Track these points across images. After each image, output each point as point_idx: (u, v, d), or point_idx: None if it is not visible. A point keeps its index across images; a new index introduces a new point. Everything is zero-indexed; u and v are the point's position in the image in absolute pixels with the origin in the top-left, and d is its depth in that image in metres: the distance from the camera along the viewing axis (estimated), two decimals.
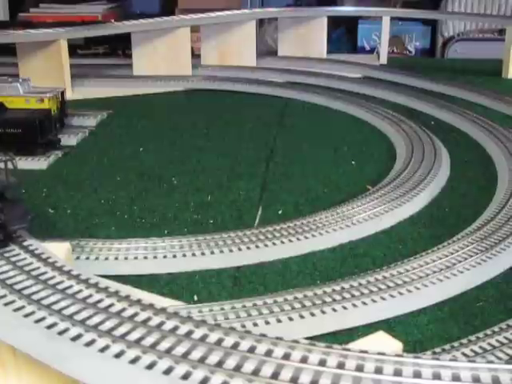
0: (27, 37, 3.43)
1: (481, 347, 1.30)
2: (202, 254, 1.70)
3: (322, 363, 0.99)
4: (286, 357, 1.01)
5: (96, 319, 1.11)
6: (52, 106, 2.64)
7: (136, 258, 1.69)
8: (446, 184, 2.25)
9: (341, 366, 0.99)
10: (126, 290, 1.29)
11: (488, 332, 1.37)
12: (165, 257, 1.69)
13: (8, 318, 1.12)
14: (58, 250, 1.46)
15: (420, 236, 1.88)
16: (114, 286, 1.26)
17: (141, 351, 1.02)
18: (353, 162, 2.48)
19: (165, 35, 3.86)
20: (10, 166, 1.43)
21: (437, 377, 0.96)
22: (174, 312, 1.13)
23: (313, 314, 1.40)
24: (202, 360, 0.99)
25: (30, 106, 2.61)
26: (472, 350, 1.29)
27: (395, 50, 5.26)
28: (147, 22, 3.89)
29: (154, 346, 1.03)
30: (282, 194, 2.17)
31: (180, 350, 1.02)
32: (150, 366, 0.98)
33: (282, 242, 1.77)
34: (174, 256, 1.69)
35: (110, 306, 1.16)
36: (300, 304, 1.42)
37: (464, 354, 1.28)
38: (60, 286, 1.23)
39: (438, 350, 1.31)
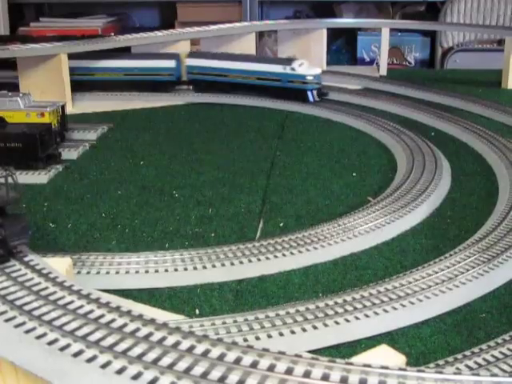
0: (28, 51, 3.44)
1: (484, 359, 1.30)
2: (204, 267, 1.70)
3: (326, 377, 0.99)
4: (289, 371, 1.00)
5: (97, 335, 1.11)
6: (52, 120, 2.65)
7: (137, 272, 1.68)
8: (447, 195, 2.25)
9: (344, 380, 0.98)
10: (127, 304, 1.28)
11: (491, 344, 1.36)
12: (166, 270, 1.69)
13: (9, 334, 1.12)
14: (59, 264, 1.46)
15: (422, 247, 1.87)
16: (115, 300, 1.26)
17: (143, 367, 1.01)
18: (354, 174, 2.48)
19: (165, 48, 3.87)
20: (10, 180, 1.43)
21: None
22: (175, 327, 1.13)
23: (315, 327, 1.39)
24: (205, 375, 0.99)
25: (31, 120, 2.62)
26: (476, 362, 1.29)
27: (395, 61, 5.28)
28: (147, 36, 3.90)
29: (155, 361, 1.02)
30: (283, 207, 2.17)
31: (182, 365, 1.02)
32: (152, 382, 0.98)
33: (284, 255, 1.76)
34: (176, 270, 1.69)
35: (112, 321, 1.15)
36: (302, 317, 1.42)
37: (468, 367, 1.27)
38: (61, 302, 1.22)
39: (441, 362, 1.30)
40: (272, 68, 3.52)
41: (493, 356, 1.31)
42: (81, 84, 3.71)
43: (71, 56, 3.62)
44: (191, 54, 3.83)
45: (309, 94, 3.45)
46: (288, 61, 3.55)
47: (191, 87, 3.82)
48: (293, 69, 3.45)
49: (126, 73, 3.79)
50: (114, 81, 3.79)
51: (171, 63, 3.77)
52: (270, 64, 3.58)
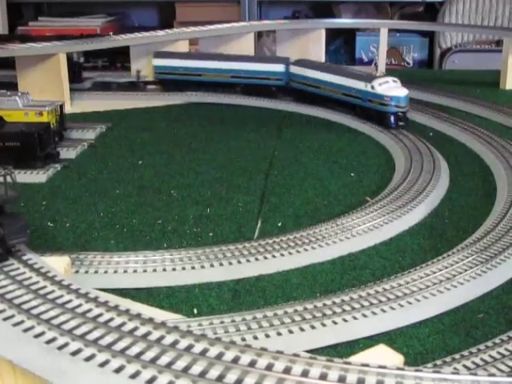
0: (26, 50, 3.43)
1: (482, 359, 1.30)
2: (202, 266, 1.70)
3: (323, 377, 0.99)
4: (287, 371, 1.00)
5: (96, 333, 1.11)
6: (51, 119, 2.65)
7: (135, 271, 1.68)
8: (445, 195, 2.25)
9: (342, 379, 0.98)
10: (125, 303, 1.28)
11: (489, 344, 1.36)
12: (164, 270, 1.69)
13: (7, 332, 1.12)
14: (58, 263, 1.46)
15: (419, 247, 1.88)
16: (113, 299, 1.26)
17: (141, 366, 1.01)
18: (352, 174, 2.48)
19: (163, 48, 3.87)
20: (8, 179, 1.43)
21: None
22: (173, 326, 1.13)
23: (313, 327, 1.39)
24: (203, 375, 0.99)
25: (29, 119, 2.62)
26: (473, 362, 1.29)
27: (393, 62, 5.28)
28: (146, 35, 3.90)
29: (154, 360, 1.03)
30: (282, 207, 2.17)
31: (180, 364, 1.02)
32: (150, 381, 0.98)
33: (282, 255, 1.76)
34: (174, 269, 1.69)
35: (110, 320, 1.16)
36: (300, 317, 1.42)
37: (465, 367, 1.27)
38: (59, 301, 1.22)
39: (439, 362, 1.31)
40: (355, 84, 3.16)
41: (490, 356, 1.31)
42: (188, 84, 3.72)
43: (178, 55, 3.77)
44: (296, 62, 3.60)
45: (391, 118, 2.99)
46: (370, 77, 3.13)
47: (292, 97, 3.61)
48: (372, 87, 3.05)
49: (233, 75, 3.67)
50: (221, 83, 3.70)
51: (280, 67, 3.62)
52: (353, 79, 3.18)
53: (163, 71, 3.77)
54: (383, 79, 3.10)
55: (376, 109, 3.06)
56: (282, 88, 3.64)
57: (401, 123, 2.99)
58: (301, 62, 3.60)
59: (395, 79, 3.10)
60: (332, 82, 3.31)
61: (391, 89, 3.05)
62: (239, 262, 1.72)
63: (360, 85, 3.13)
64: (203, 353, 1.05)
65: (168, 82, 3.78)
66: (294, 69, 3.56)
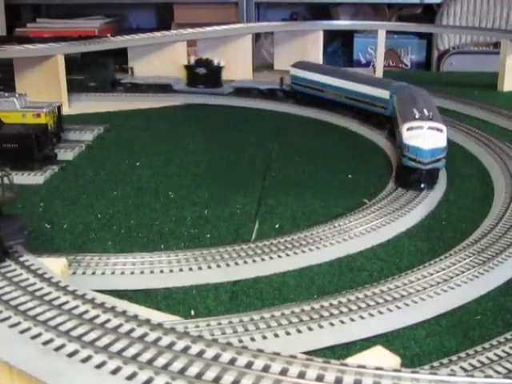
0: (24, 52, 3.43)
1: (479, 361, 1.30)
2: (199, 268, 1.70)
3: (320, 378, 0.99)
4: (284, 372, 1.00)
5: (92, 335, 1.11)
6: (49, 120, 2.65)
7: (133, 272, 1.68)
8: (443, 197, 2.25)
9: (339, 381, 0.98)
10: (122, 305, 1.28)
11: (486, 345, 1.36)
12: (161, 271, 1.69)
13: (4, 334, 1.12)
14: (55, 265, 1.46)
15: (417, 249, 1.88)
16: (110, 301, 1.26)
17: (137, 367, 1.01)
18: (349, 176, 2.48)
19: (161, 50, 3.87)
20: (6, 181, 1.43)
21: None
22: (170, 327, 1.13)
23: (310, 329, 1.39)
24: (199, 376, 0.99)
25: (27, 120, 2.62)
26: (470, 364, 1.29)
27: (391, 64, 5.29)
28: (144, 37, 3.90)
29: (150, 362, 1.03)
30: (279, 208, 2.17)
31: (177, 365, 1.02)
32: (147, 383, 0.98)
33: (279, 256, 1.76)
34: (171, 270, 1.69)
35: (107, 321, 1.16)
36: (297, 318, 1.42)
37: (462, 368, 1.27)
38: (56, 302, 1.22)
39: (436, 364, 1.31)
40: (401, 125, 2.35)
41: (487, 358, 1.31)
42: (314, 100, 3.45)
43: (309, 66, 3.57)
44: (397, 88, 2.90)
45: (406, 174, 2.24)
46: (408, 118, 2.34)
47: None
48: (399, 132, 2.34)
49: (347, 95, 3.24)
50: (338, 103, 3.30)
51: (384, 93, 2.96)
52: (403, 120, 2.37)
53: (297, 82, 3.58)
54: (418, 123, 2.28)
55: (400, 159, 2.32)
56: (388, 118, 2.94)
57: (421, 185, 2.22)
58: (400, 89, 2.87)
59: (438, 126, 2.27)
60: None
61: (417, 136, 2.23)
62: (236, 263, 1.72)
63: (401, 127, 2.35)
64: (200, 354, 1.05)
65: (299, 94, 3.57)
66: (394, 97, 2.81)
